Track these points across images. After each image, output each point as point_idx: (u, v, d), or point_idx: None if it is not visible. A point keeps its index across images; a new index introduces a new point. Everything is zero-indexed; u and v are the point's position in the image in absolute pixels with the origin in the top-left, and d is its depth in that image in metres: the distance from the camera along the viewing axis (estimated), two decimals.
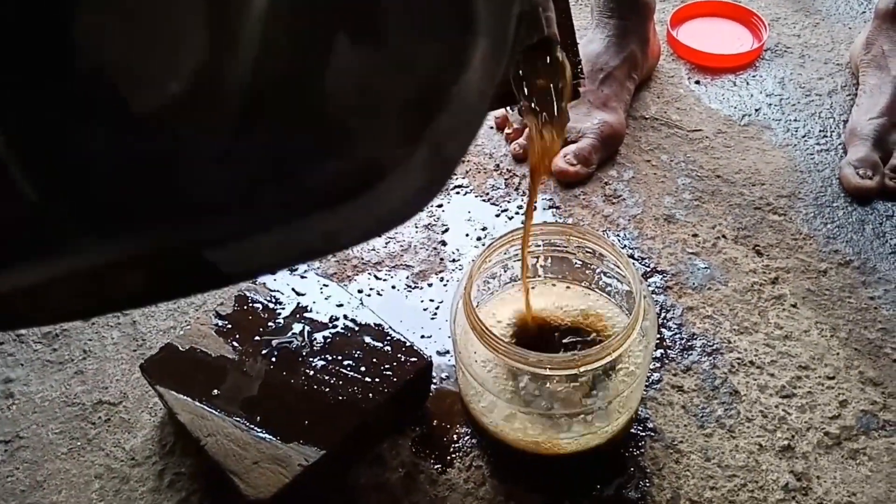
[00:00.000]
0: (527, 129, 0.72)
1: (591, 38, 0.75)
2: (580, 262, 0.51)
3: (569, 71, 0.36)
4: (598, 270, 0.51)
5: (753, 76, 0.80)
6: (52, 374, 0.56)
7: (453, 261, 0.63)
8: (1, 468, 0.51)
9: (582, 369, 0.42)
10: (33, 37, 0.15)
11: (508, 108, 0.40)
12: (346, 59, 0.19)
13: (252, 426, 0.47)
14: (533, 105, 0.36)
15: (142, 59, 0.16)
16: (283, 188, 0.20)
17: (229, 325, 0.52)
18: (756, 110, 0.76)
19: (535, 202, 0.42)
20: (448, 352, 0.57)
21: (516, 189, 0.69)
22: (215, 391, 0.49)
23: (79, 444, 0.52)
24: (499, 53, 0.23)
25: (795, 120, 0.75)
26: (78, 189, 0.17)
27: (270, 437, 0.46)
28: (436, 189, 0.24)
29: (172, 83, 0.16)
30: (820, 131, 0.73)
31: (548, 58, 0.35)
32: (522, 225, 0.46)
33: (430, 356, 0.51)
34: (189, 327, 0.53)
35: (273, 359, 0.50)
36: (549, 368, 0.42)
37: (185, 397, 0.48)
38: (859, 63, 0.75)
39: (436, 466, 0.50)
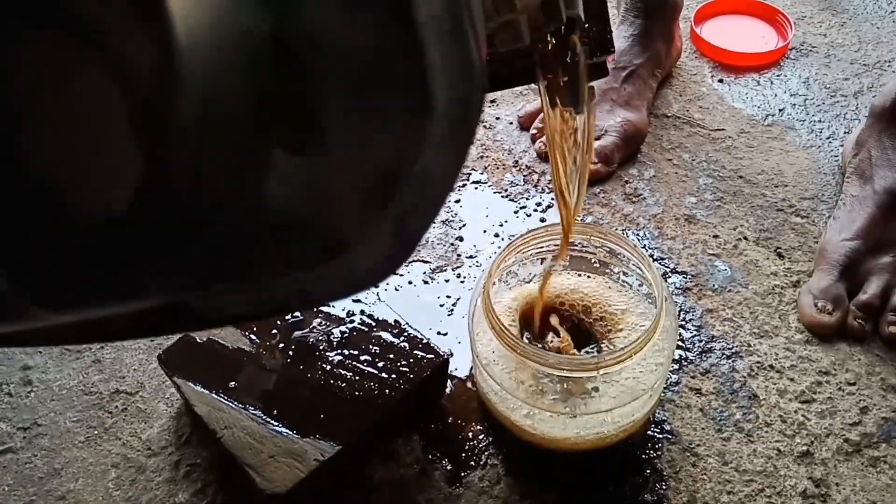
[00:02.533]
0: None
1: (616, 36, 0.74)
2: (599, 262, 0.50)
3: (584, 60, 0.35)
4: (617, 270, 0.50)
5: (778, 75, 0.79)
6: (70, 363, 0.56)
7: (470, 257, 0.63)
8: (20, 454, 0.52)
9: (601, 371, 0.41)
10: None
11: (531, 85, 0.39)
12: (287, 170, 0.19)
13: (268, 419, 0.47)
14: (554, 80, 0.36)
15: (83, 180, 0.17)
16: (240, 275, 0.20)
17: None
18: (780, 110, 0.75)
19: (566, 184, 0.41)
20: (464, 348, 0.56)
21: (535, 186, 0.69)
22: (232, 383, 0.49)
23: (96, 432, 0.53)
24: (461, 133, 0.22)
25: (820, 121, 0.74)
26: (35, 277, 0.18)
27: (287, 431, 0.46)
28: (403, 258, 0.24)
29: (114, 203, 0.17)
30: (845, 133, 0.72)
31: (567, 41, 0.34)
32: (542, 223, 0.46)
33: (447, 353, 0.50)
34: None
35: (290, 353, 0.50)
36: (568, 369, 0.42)
37: (202, 389, 0.48)
38: (846, 166, 0.66)
39: (451, 464, 0.50)
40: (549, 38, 0.34)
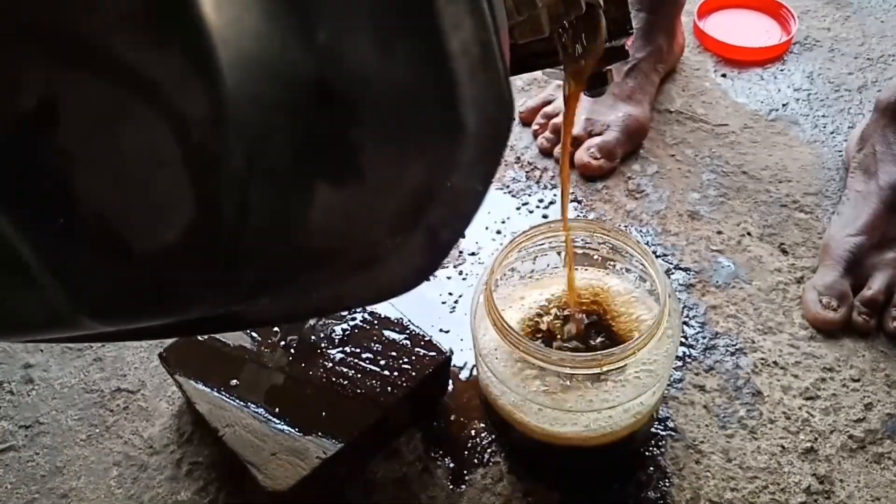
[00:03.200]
0: (552, 122, 0.71)
1: None
2: (602, 259, 0.50)
3: (602, 37, 0.35)
4: (620, 267, 0.50)
5: (781, 70, 0.79)
6: (72, 361, 0.56)
7: (472, 254, 0.63)
8: (22, 452, 0.51)
9: (605, 368, 0.41)
10: (38, 184, 0.18)
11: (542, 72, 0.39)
12: (328, 200, 0.20)
13: (270, 417, 0.47)
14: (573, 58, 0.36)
15: (136, 215, 0.18)
16: (280, 290, 0.22)
17: None
18: (784, 105, 0.75)
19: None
20: (466, 345, 0.56)
21: (537, 182, 0.68)
22: (234, 381, 0.48)
23: (97, 430, 0.52)
24: (490, 154, 0.23)
25: (824, 116, 0.73)
26: (90, 295, 0.20)
27: (289, 428, 0.46)
28: (433, 268, 0.25)
29: (167, 235, 0.19)
30: (849, 128, 0.71)
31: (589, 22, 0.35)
32: (544, 220, 0.45)
33: (449, 350, 0.50)
34: None
35: (292, 350, 0.50)
36: (571, 367, 0.42)
37: (203, 387, 0.48)
38: (850, 161, 0.65)
39: (453, 462, 0.50)
40: (568, 25, 0.34)
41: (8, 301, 0.20)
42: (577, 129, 0.69)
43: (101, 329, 0.21)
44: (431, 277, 0.57)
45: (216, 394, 0.48)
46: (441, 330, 0.57)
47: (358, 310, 0.52)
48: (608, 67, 0.39)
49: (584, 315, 0.48)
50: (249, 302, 0.22)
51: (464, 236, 0.26)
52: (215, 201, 0.18)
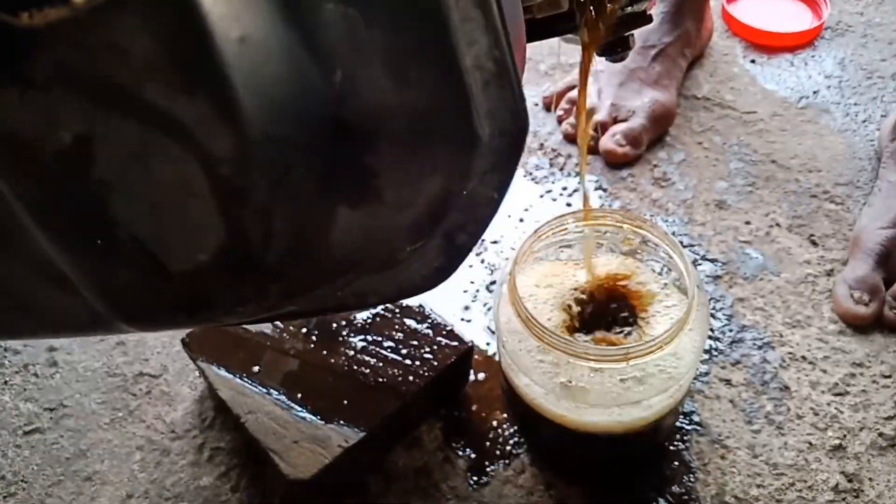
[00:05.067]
0: (592, 119, 0.70)
1: None
2: (627, 249, 0.49)
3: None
4: (647, 257, 0.49)
5: (812, 56, 0.77)
6: (95, 344, 0.57)
7: (494, 242, 0.62)
8: (47, 435, 0.52)
9: (631, 362, 0.40)
10: (78, 210, 0.19)
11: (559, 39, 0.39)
12: (348, 220, 0.21)
13: (292, 405, 0.47)
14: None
15: (170, 239, 0.20)
16: (304, 296, 0.23)
17: None
18: (814, 92, 0.73)
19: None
20: (488, 335, 0.56)
21: (561, 169, 0.67)
22: (255, 368, 0.48)
23: (120, 414, 0.53)
24: (506, 162, 0.24)
25: (856, 104, 0.71)
26: (127, 305, 0.22)
27: (311, 416, 0.46)
28: (452, 269, 0.26)
29: (200, 256, 0.20)
30: (882, 116, 0.69)
31: None
32: (568, 207, 0.44)
33: (471, 341, 0.50)
34: None
35: (313, 337, 0.50)
36: (597, 359, 0.41)
37: (225, 373, 0.48)
38: (883, 151, 0.63)
39: (474, 452, 0.49)
40: None
41: (52, 305, 0.22)
42: (601, 115, 0.68)
43: (138, 331, 0.23)
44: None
45: (238, 380, 0.48)
46: (463, 319, 0.57)
47: None
48: (630, 32, 0.38)
49: (610, 304, 0.48)
50: (275, 311, 0.23)
51: (479, 240, 0.27)
52: (242, 228, 0.20)
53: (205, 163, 0.18)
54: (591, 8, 0.35)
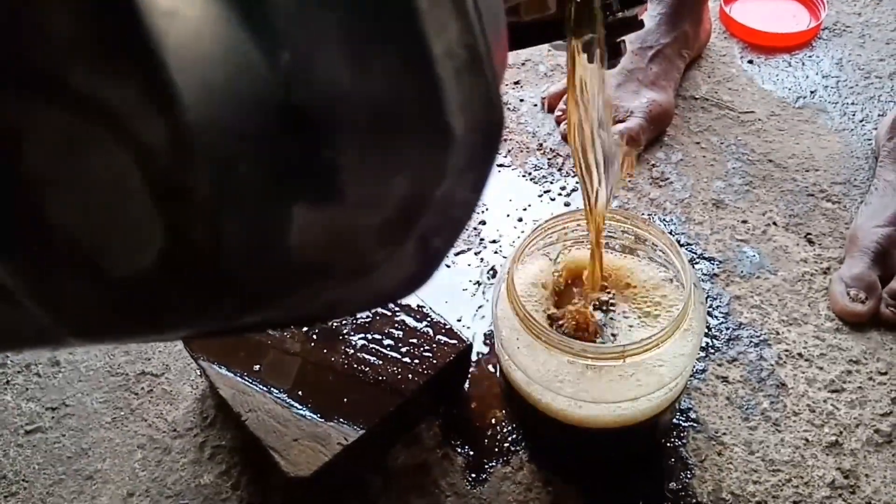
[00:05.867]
0: None
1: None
2: (624, 247, 0.50)
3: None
4: (643, 255, 0.49)
5: (809, 56, 0.77)
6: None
7: (493, 241, 0.62)
8: (48, 434, 0.52)
9: (628, 360, 0.41)
10: (12, 212, 0.18)
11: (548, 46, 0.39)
12: (307, 220, 0.19)
13: (292, 403, 0.47)
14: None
15: (108, 241, 0.18)
16: (267, 306, 0.22)
17: None
18: (812, 92, 0.73)
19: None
20: (487, 334, 0.56)
21: (559, 169, 0.68)
22: (256, 366, 0.49)
23: (122, 413, 0.53)
24: (480, 160, 0.22)
25: (853, 103, 0.72)
26: (73, 316, 0.20)
27: (311, 414, 0.46)
28: (427, 275, 0.25)
29: (141, 260, 0.18)
30: (879, 116, 0.70)
31: None
32: (566, 207, 0.44)
33: (470, 339, 0.50)
34: None
35: (313, 336, 0.50)
36: (594, 358, 0.41)
37: (226, 372, 0.49)
38: (880, 150, 0.64)
39: (473, 450, 0.50)
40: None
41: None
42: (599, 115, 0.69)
43: (90, 345, 0.21)
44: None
45: (239, 378, 0.48)
46: (461, 317, 0.57)
47: None
48: (620, 39, 0.38)
49: (607, 300, 0.48)
50: (234, 322, 0.21)
51: (454, 244, 0.26)
52: (185, 229, 0.18)
53: (138, 154, 0.17)
54: (575, 6, 0.35)
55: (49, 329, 0.20)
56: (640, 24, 0.38)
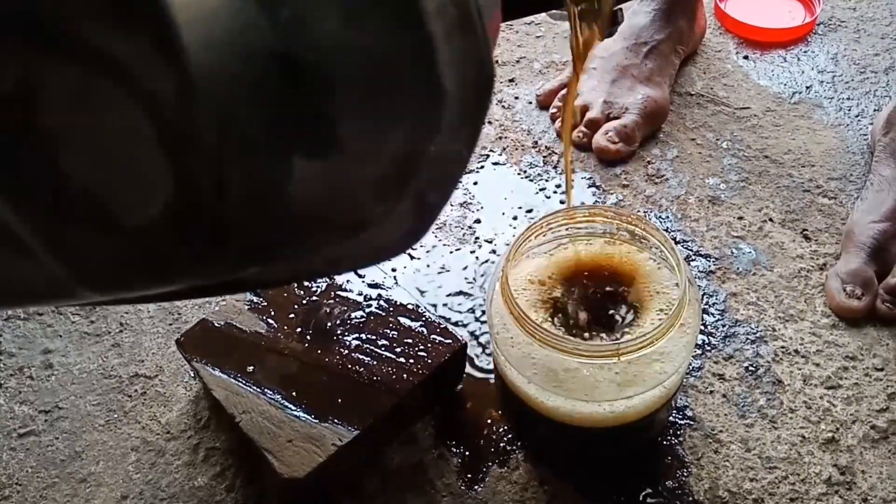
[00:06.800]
0: (586, 116, 0.69)
1: (637, 10, 0.73)
2: (621, 242, 0.49)
3: None
4: (638, 253, 0.49)
5: (805, 51, 0.77)
6: (90, 346, 0.57)
7: (488, 241, 0.62)
8: (41, 437, 0.52)
9: (623, 358, 0.40)
10: (27, 164, 0.19)
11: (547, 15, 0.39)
12: (306, 172, 0.21)
13: (287, 404, 0.47)
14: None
15: (120, 190, 0.19)
16: (270, 258, 0.23)
17: (264, 303, 0.52)
18: (807, 88, 0.73)
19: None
20: (482, 333, 0.56)
21: (555, 167, 0.67)
22: (250, 368, 0.49)
23: (115, 416, 0.53)
24: (473, 115, 0.23)
25: (849, 98, 0.72)
26: (85, 266, 0.21)
27: (305, 415, 0.46)
28: (423, 230, 0.26)
29: (151, 208, 0.19)
30: (874, 111, 0.70)
31: None
32: (561, 205, 0.43)
33: (464, 338, 0.50)
34: (224, 303, 0.53)
35: (307, 337, 0.50)
36: (588, 355, 0.41)
37: (220, 373, 0.48)
38: (876, 145, 0.64)
39: (469, 449, 0.49)
40: None
41: (11, 273, 0.21)
42: (594, 112, 0.68)
43: (101, 298, 0.22)
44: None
45: (233, 380, 0.48)
46: (457, 316, 0.57)
47: (373, 296, 0.52)
48: (618, 7, 0.38)
49: (602, 296, 0.48)
50: (239, 272, 0.22)
51: (449, 199, 0.26)
52: (192, 177, 0.19)
53: (149, 106, 0.18)
54: None
55: (62, 281, 0.21)
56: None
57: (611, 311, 0.46)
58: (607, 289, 0.47)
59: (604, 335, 0.45)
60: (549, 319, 0.46)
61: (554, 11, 0.37)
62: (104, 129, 0.18)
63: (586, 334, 0.45)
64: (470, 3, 0.21)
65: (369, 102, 0.21)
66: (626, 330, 0.45)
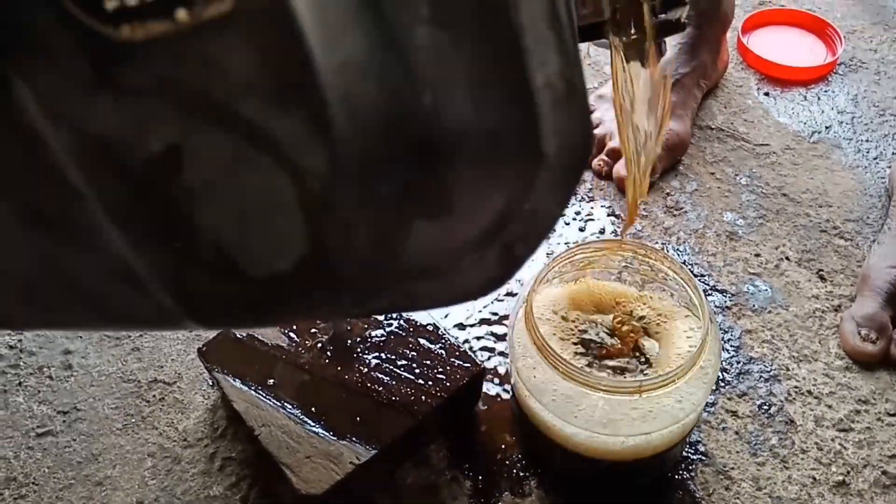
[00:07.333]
0: (608, 147, 0.70)
1: None
2: (641, 280, 0.50)
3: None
4: (659, 289, 0.50)
5: (825, 91, 0.78)
6: (110, 349, 0.57)
7: None
8: (59, 438, 0.52)
9: (644, 395, 0.41)
10: (160, 214, 0.20)
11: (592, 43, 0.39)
12: (424, 233, 0.22)
13: (306, 419, 0.47)
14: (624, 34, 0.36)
15: (253, 246, 0.21)
16: (370, 302, 0.25)
17: None
18: (826, 127, 0.74)
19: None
20: (500, 358, 0.56)
21: (575, 194, 0.68)
22: (270, 381, 0.49)
23: (133, 420, 0.53)
24: (569, 177, 0.25)
25: (867, 140, 0.72)
26: (196, 304, 0.22)
27: (323, 432, 0.47)
28: (506, 279, 0.27)
29: (280, 264, 0.21)
30: (893, 154, 0.70)
31: None
32: (585, 241, 0.44)
33: (483, 363, 0.50)
34: None
35: (328, 353, 0.51)
36: (610, 391, 0.42)
37: (241, 385, 0.49)
38: (894, 189, 0.65)
39: (482, 473, 0.50)
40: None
41: (119, 300, 0.22)
42: (615, 142, 0.69)
43: (202, 329, 0.24)
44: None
45: (253, 392, 0.49)
46: (475, 340, 0.58)
47: (394, 315, 0.52)
48: (661, 40, 0.39)
49: (624, 329, 0.48)
50: (346, 316, 0.24)
51: (536, 252, 0.28)
52: (324, 239, 0.20)
53: (295, 176, 0.19)
54: (621, 8, 0.36)
55: (171, 313, 0.22)
56: (683, 27, 0.38)
57: (632, 346, 0.47)
58: (631, 323, 0.47)
59: (625, 369, 0.45)
60: (572, 349, 0.47)
61: (599, 42, 0.38)
62: (247, 192, 0.19)
63: (608, 369, 0.45)
64: (577, 77, 0.22)
65: (481, 169, 0.22)
66: (646, 367, 0.45)
